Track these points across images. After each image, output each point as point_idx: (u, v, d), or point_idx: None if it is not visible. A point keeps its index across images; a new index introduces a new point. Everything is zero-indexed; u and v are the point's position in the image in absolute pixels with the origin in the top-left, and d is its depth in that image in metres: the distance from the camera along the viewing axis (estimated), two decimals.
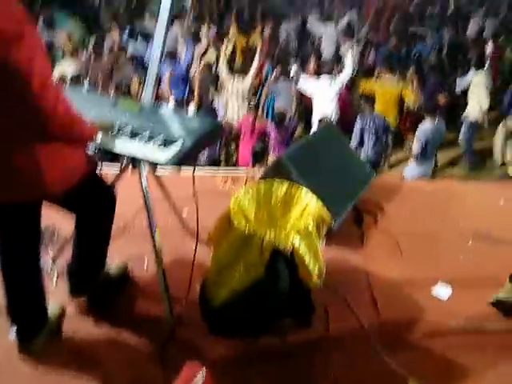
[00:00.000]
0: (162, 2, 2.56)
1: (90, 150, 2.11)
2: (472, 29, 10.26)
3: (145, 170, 2.26)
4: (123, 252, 2.77)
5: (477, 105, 6.88)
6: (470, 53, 8.58)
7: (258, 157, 5.41)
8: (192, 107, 6.72)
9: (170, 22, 2.61)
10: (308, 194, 2.29)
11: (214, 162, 6.28)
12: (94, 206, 2.17)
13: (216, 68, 7.48)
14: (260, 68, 7.36)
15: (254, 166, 5.25)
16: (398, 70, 7.30)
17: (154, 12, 8.74)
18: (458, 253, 3.00)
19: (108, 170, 2.85)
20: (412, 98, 7.04)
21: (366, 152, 5.91)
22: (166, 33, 2.57)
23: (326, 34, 9.37)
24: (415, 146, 5.72)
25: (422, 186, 4.21)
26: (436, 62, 8.18)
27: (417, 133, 5.82)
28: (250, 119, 6.19)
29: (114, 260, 2.60)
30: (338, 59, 8.04)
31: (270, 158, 5.62)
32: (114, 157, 2.52)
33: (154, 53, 2.60)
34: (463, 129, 7.03)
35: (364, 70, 8.02)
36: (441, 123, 5.89)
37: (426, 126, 5.78)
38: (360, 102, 6.58)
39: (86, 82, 7.00)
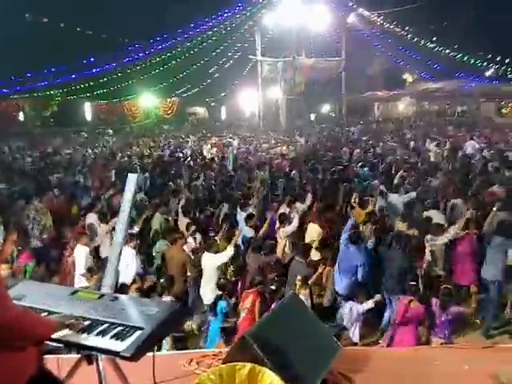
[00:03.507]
0: (124, 195, 2.78)
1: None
2: None
3: (102, 362, 2.19)
4: None
5: None
6: None
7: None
8: None
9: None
10: (271, 375, 2.22)
11: None
12: None
13: None
14: None
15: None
16: None
17: None
18: None
19: (63, 362, 2.71)
20: None
21: None
22: (128, 226, 2.74)
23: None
24: None
25: (392, 354, 4.11)
26: None
27: None
28: (404, 302, 5.70)
29: None
30: None
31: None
32: (70, 349, 2.44)
33: (115, 241, 2.72)
34: None
35: None
36: None
37: None
38: None
39: None
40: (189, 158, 17.50)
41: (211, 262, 6.89)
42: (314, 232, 8.19)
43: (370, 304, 6.14)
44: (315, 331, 3.59)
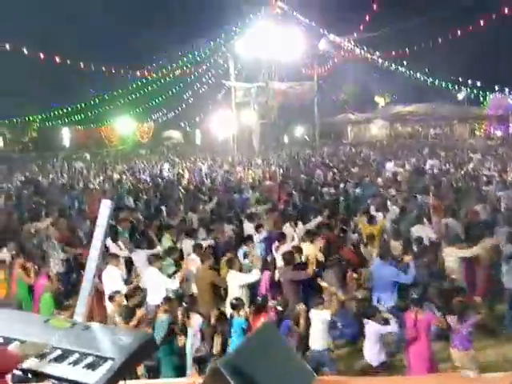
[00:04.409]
0: (98, 221, 2.79)
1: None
2: None
3: None
4: None
5: None
6: None
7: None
8: None
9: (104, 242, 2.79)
10: None
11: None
12: None
13: None
14: None
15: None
16: None
17: None
18: None
19: None
20: None
21: None
22: (102, 248, 2.75)
23: None
24: None
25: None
26: None
27: None
28: (411, 315, 5.58)
29: None
30: None
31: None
32: (41, 379, 2.42)
33: (87, 268, 2.71)
34: None
35: None
36: None
37: None
38: None
39: None
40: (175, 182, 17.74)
41: (235, 281, 6.96)
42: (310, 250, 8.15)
43: (393, 327, 5.82)
44: (289, 360, 3.56)
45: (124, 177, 20.47)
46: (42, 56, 23.80)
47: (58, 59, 24.35)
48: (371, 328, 5.84)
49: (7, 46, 22.56)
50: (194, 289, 7.57)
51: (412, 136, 43.80)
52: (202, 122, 41.80)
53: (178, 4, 42.82)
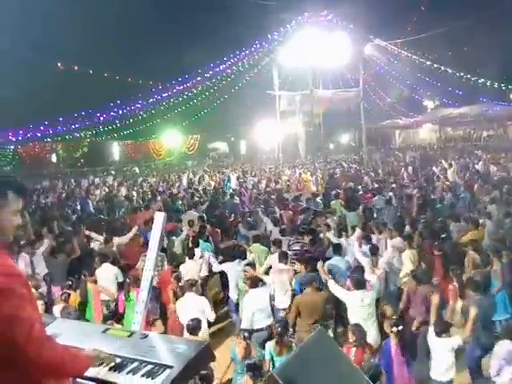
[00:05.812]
0: (152, 234, 2.86)
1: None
2: None
3: None
4: None
5: None
6: None
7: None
8: None
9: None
10: None
11: None
12: None
13: None
14: None
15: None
16: None
17: None
18: None
19: None
20: None
21: None
22: (156, 263, 2.80)
23: None
24: None
25: None
26: None
27: None
28: None
29: None
30: None
31: None
32: None
33: (144, 278, 2.77)
34: None
35: None
36: None
37: None
38: None
39: None
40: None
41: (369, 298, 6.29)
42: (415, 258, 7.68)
43: None
44: (345, 370, 3.49)
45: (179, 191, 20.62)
46: (91, 72, 24.79)
47: (106, 75, 25.33)
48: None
49: (59, 65, 23.70)
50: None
51: (464, 139, 42.36)
52: (247, 132, 42.24)
53: (221, 16, 43.73)
